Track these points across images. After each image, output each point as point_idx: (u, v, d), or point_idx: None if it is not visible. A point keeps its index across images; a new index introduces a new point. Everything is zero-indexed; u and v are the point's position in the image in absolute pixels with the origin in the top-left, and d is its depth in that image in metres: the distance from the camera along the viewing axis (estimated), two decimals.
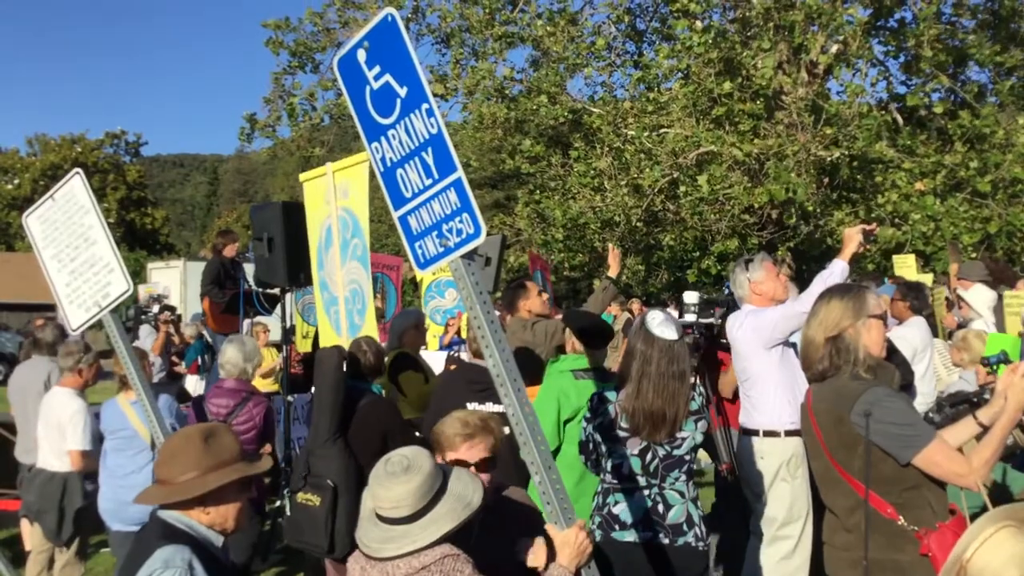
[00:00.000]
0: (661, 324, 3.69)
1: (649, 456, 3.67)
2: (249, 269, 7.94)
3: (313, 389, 4.69)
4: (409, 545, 2.47)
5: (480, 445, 2.95)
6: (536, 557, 2.77)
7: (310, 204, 5.85)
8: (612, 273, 6.07)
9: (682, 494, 3.69)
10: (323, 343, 5.87)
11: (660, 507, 3.66)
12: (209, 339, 9.85)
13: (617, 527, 3.67)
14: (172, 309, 9.19)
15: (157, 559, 2.51)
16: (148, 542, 2.60)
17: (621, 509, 3.68)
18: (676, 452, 3.68)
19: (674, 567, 3.62)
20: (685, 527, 3.65)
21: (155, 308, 8.89)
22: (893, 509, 2.99)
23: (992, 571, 2.90)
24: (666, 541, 3.62)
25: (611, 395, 3.77)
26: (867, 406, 2.96)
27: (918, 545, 2.96)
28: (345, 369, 4.68)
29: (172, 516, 2.64)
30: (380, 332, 6.06)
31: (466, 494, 2.62)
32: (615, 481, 3.72)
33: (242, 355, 5.42)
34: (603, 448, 3.74)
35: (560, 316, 6.11)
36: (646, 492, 3.67)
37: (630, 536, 3.63)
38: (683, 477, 3.70)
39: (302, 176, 6.06)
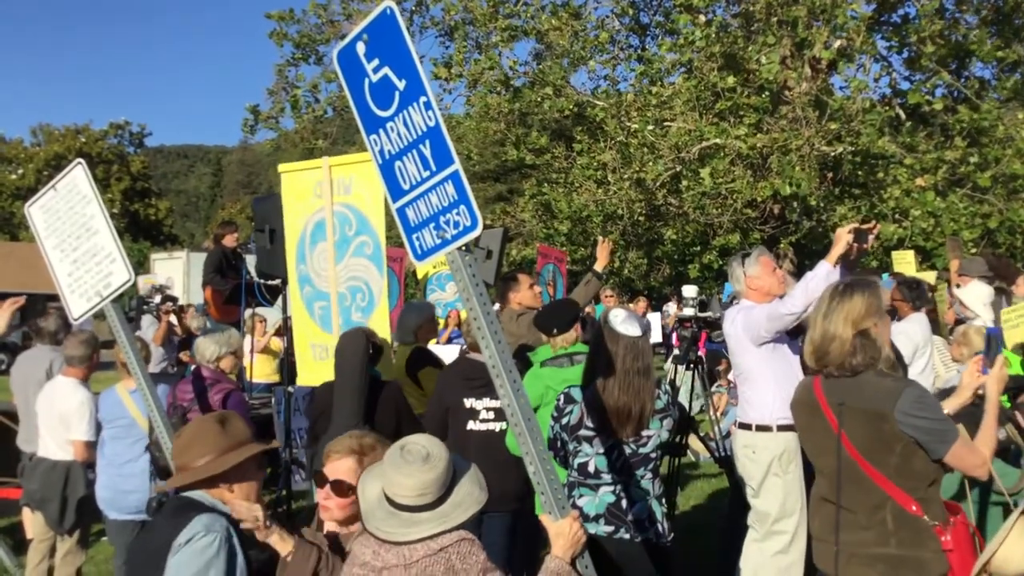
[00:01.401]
0: (624, 321, 3.73)
1: (615, 454, 3.71)
2: (251, 260, 7.96)
3: (334, 372, 4.69)
4: (436, 527, 2.49)
5: (344, 463, 2.88)
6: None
7: (290, 196, 5.79)
8: (599, 266, 5.96)
9: (647, 492, 3.73)
10: (300, 338, 5.84)
11: (624, 503, 3.69)
12: (211, 328, 9.88)
13: (580, 519, 3.70)
14: (174, 299, 9.21)
15: (198, 523, 2.62)
16: (180, 513, 2.68)
17: (585, 502, 3.73)
18: (642, 450, 3.72)
19: (633, 561, 3.66)
20: (647, 523, 3.70)
21: (157, 298, 8.90)
22: (918, 506, 3.01)
23: (1015, 563, 2.98)
24: (627, 536, 3.66)
25: (577, 393, 3.80)
26: (912, 403, 2.98)
27: (937, 540, 2.99)
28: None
29: (198, 495, 2.76)
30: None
31: (477, 477, 2.68)
32: (580, 477, 3.76)
33: (203, 345, 5.47)
34: (570, 446, 3.78)
35: None
36: (611, 488, 3.71)
37: (592, 529, 3.67)
38: (648, 475, 3.74)
39: (281, 167, 5.97)
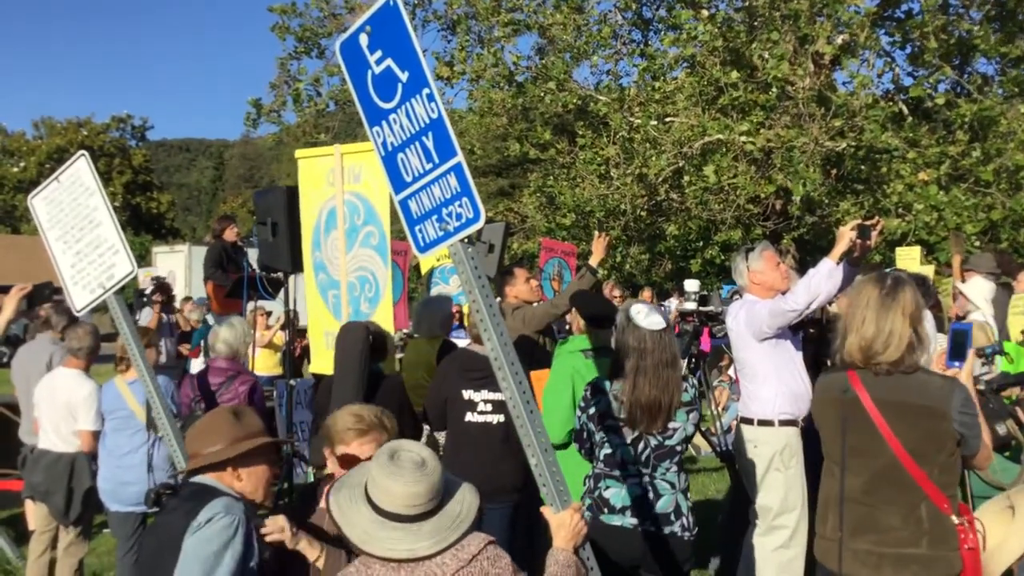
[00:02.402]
0: (647, 315, 3.74)
1: (641, 445, 3.73)
2: (252, 253, 7.97)
3: (334, 365, 4.66)
4: (454, 532, 2.31)
5: (372, 442, 2.92)
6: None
7: (307, 182, 5.81)
8: (594, 261, 5.85)
9: (672, 485, 3.75)
10: (313, 326, 5.86)
11: (650, 495, 3.71)
12: (212, 323, 9.89)
13: (606, 511, 3.73)
14: (165, 289, 9.18)
15: (218, 504, 2.65)
16: (196, 498, 2.70)
17: (612, 494, 3.74)
18: (668, 442, 3.73)
19: (659, 554, 3.68)
20: (672, 517, 3.71)
21: (149, 288, 8.90)
22: (948, 504, 3.01)
23: (1008, 550, 3.04)
24: (652, 529, 3.68)
25: (604, 385, 3.81)
26: (963, 401, 2.99)
27: (958, 538, 2.99)
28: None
29: (209, 480, 2.78)
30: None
31: (464, 481, 2.61)
32: (607, 468, 3.77)
33: (233, 336, 5.53)
34: (597, 437, 3.79)
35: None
36: (636, 480, 3.72)
37: (618, 521, 3.69)
38: (674, 468, 3.76)
39: (298, 152, 5.98)
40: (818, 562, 3.29)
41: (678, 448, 3.75)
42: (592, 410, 3.79)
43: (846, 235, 4.25)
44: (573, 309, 5.16)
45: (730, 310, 5.01)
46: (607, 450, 3.77)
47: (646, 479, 3.72)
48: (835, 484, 3.21)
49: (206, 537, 2.59)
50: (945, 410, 2.97)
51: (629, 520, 3.69)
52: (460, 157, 2.70)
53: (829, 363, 3.31)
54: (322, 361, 5.86)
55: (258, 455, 2.83)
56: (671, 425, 3.72)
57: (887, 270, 5.11)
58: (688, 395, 3.78)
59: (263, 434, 2.89)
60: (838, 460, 3.19)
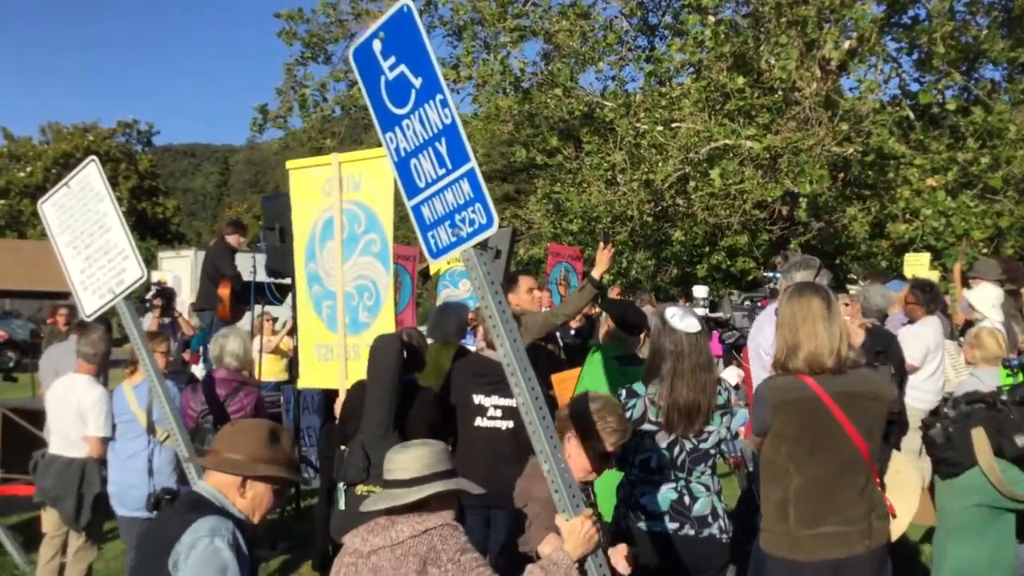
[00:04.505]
0: (683, 319, 3.76)
1: (676, 450, 3.73)
2: (260, 259, 7.97)
3: (367, 375, 4.58)
4: (393, 501, 2.63)
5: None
6: (544, 547, 2.84)
7: (299, 193, 5.72)
8: (596, 272, 5.43)
9: (707, 487, 3.76)
10: (305, 339, 5.79)
11: (686, 499, 3.72)
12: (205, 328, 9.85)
13: (644, 517, 3.73)
14: (164, 293, 9.17)
15: (203, 526, 2.59)
16: (185, 513, 2.67)
17: (648, 500, 3.74)
18: (703, 446, 3.75)
19: (699, 558, 3.70)
20: (710, 519, 3.72)
21: (149, 293, 8.90)
22: (879, 480, 3.33)
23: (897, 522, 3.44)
24: (691, 532, 3.69)
25: (639, 388, 3.81)
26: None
27: (886, 508, 3.35)
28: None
29: (210, 492, 2.74)
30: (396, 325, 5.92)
31: (466, 484, 2.75)
32: (642, 474, 3.77)
33: (243, 348, 5.50)
34: (632, 442, 3.76)
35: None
36: (673, 485, 3.73)
37: (656, 527, 3.70)
38: (708, 471, 3.78)
39: (290, 164, 5.86)
40: (769, 555, 3.35)
41: (712, 451, 3.77)
42: (628, 414, 3.76)
43: None
44: (604, 315, 5.18)
45: (757, 321, 4.98)
46: (642, 455, 3.76)
47: (682, 483, 3.74)
48: (793, 479, 3.29)
49: (198, 564, 2.53)
50: (886, 394, 3.37)
51: (668, 525, 3.70)
52: (473, 163, 2.71)
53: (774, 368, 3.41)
54: (311, 374, 5.76)
55: (270, 482, 2.79)
56: (706, 428, 3.73)
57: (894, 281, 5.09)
58: (722, 398, 3.79)
59: (287, 468, 2.83)
60: (798, 457, 3.30)
